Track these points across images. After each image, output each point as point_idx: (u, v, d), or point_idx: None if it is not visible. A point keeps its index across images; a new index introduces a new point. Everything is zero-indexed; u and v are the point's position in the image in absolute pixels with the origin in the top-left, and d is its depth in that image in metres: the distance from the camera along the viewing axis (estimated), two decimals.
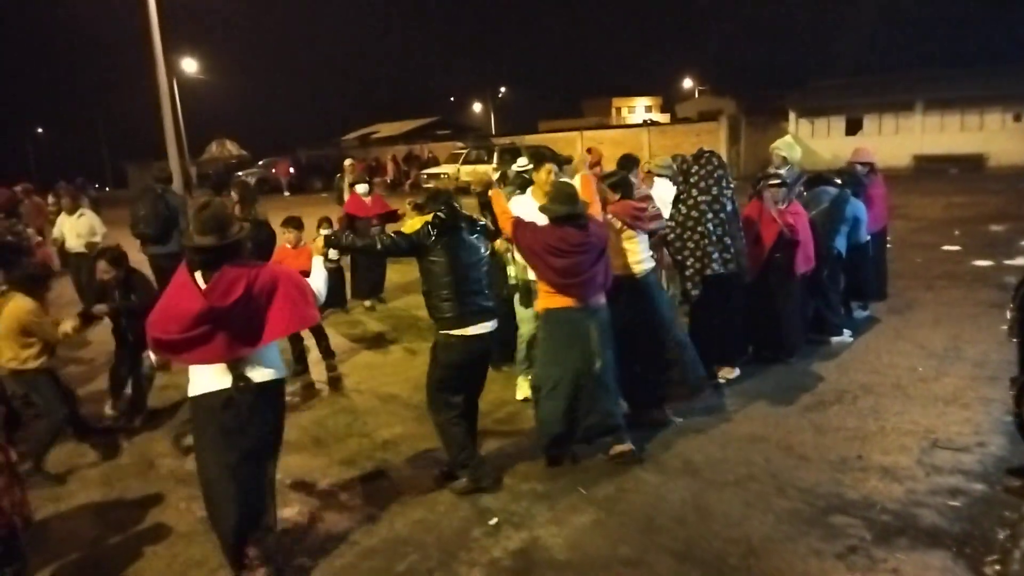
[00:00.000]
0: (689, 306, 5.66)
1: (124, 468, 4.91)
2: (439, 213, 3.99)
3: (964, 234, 11.74)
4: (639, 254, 4.83)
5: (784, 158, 6.62)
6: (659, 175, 7.10)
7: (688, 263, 5.36)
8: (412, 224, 4.09)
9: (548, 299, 4.30)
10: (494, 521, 3.88)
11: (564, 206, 4.16)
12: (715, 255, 5.24)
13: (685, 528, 3.71)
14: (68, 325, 4.79)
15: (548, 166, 5.16)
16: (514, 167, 11.07)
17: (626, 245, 4.80)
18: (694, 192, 5.33)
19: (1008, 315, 3.96)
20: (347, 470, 4.60)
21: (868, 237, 6.71)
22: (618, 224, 4.77)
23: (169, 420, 5.71)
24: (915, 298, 7.87)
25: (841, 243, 6.33)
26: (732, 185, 5.43)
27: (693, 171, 5.40)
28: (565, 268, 4.15)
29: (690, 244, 5.33)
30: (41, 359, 4.70)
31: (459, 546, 3.67)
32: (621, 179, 4.99)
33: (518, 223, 4.34)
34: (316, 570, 3.55)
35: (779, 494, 3.98)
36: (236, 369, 3.21)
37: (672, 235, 5.43)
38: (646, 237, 4.94)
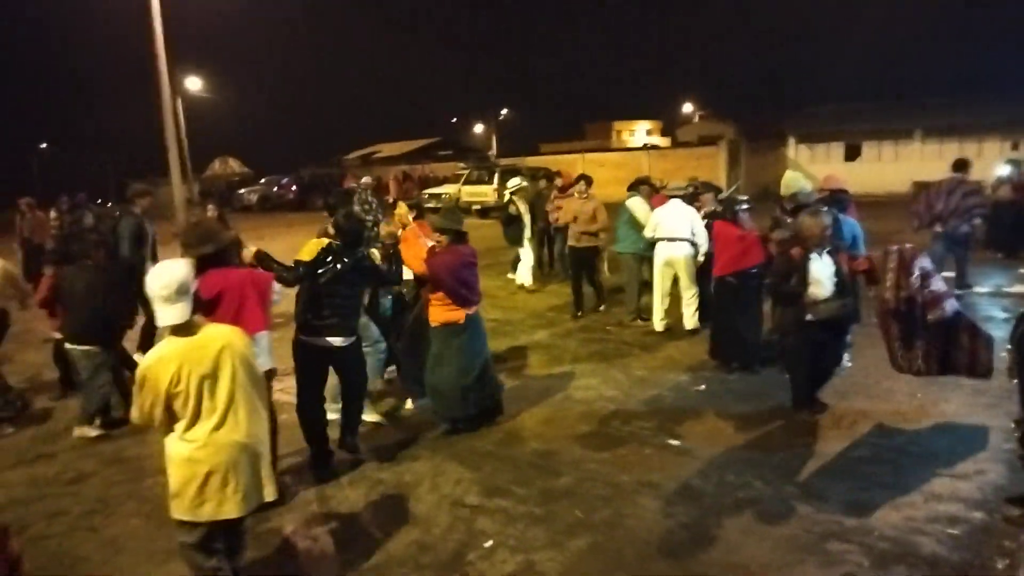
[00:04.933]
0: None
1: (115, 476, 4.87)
2: (333, 243, 4.64)
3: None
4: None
5: (795, 194, 6.82)
6: (672, 195, 7.79)
7: None
8: (310, 248, 4.65)
9: (451, 313, 5.10)
10: (489, 544, 3.85)
11: (459, 223, 5.26)
12: None
13: (683, 554, 3.68)
14: None
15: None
16: (509, 184, 11.65)
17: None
18: None
19: (1006, 356, 3.98)
20: (342, 490, 4.57)
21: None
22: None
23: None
24: None
25: None
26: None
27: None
28: (471, 281, 5.15)
29: None
30: None
31: (454, 569, 3.64)
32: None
33: (428, 254, 5.20)
34: None
35: (777, 520, 3.95)
36: None
37: None
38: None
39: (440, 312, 5.13)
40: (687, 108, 57.87)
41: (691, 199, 7.91)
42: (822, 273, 4.96)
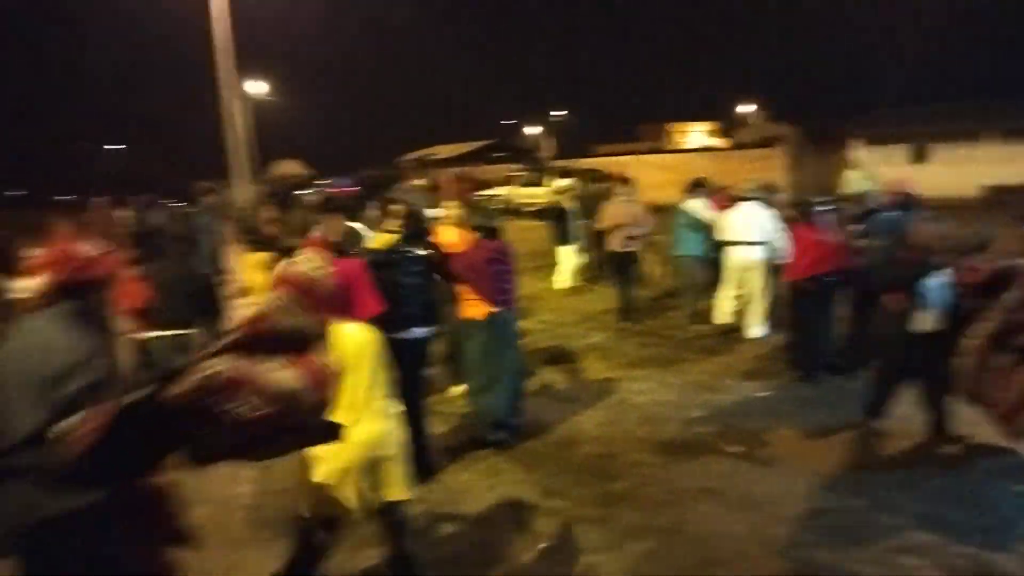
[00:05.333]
0: None
1: None
2: (401, 238, 4.76)
3: None
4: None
5: (862, 194, 6.65)
6: (747, 199, 7.56)
7: None
8: (383, 240, 4.82)
9: (472, 309, 5.04)
10: (547, 545, 3.84)
11: (487, 219, 5.27)
12: None
13: (746, 562, 3.61)
14: None
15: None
16: (557, 184, 11.71)
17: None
18: None
19: None
20: None
21: None
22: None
23: None
24: None
25: None
26: None
27: None
28: (496, 278, 5.00)
29: None
30: None
31: (512, 568, 3.65)
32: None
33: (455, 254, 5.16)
34: None
35: (846, 530, 3.84)
36: None
37: None
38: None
39: (466, 307, 5.15)
40: (746, 109, 56.83)
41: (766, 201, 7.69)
42: (934, 283, 4.73)
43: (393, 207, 5.72)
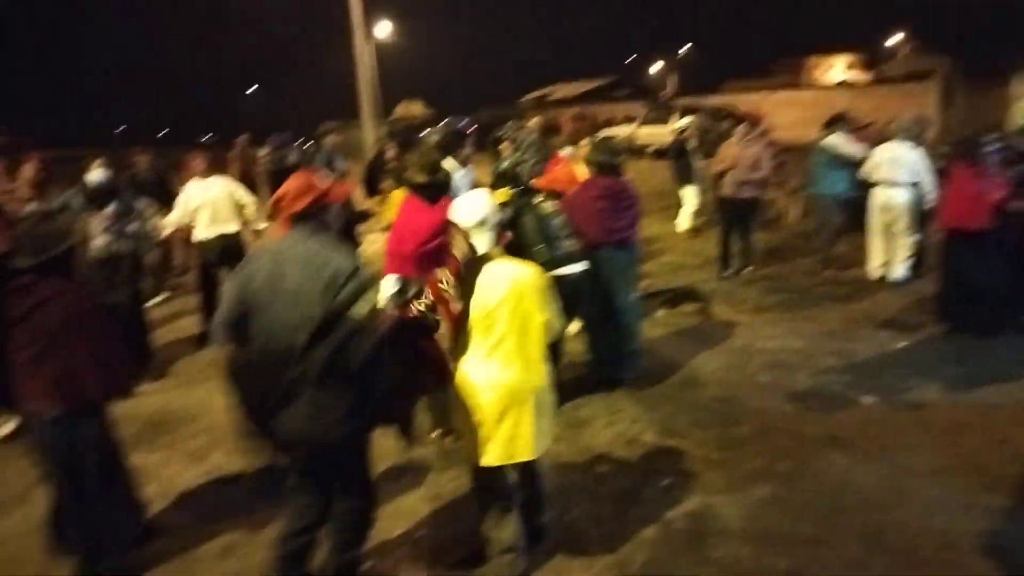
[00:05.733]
0: None
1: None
2: (514, 188, 4.81)
3: None
4: None
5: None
6: (899, 139, 7.08)
7: None
8: (502, 195, 4.75)
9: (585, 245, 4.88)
10: (666, 482, 3.87)
11: (604, 155, 5.01)
12: None
13: (874, 513, 3.49)
14: None
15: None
16: (678, 124, 11.33)
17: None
18: None
19: None
20: None
21: None
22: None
23: None
24: None
25: None
26: None
27: None
28: (599, 215, 4.87)
29: None
30: None
31: (631, 502, 3.70)
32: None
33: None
34: None
35: (984, 489, 3.63)
36: None
37: None
38: None
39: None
40: (895, 39, 52.06)
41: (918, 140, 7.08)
42: None
43: (501, 146, 5.74)
